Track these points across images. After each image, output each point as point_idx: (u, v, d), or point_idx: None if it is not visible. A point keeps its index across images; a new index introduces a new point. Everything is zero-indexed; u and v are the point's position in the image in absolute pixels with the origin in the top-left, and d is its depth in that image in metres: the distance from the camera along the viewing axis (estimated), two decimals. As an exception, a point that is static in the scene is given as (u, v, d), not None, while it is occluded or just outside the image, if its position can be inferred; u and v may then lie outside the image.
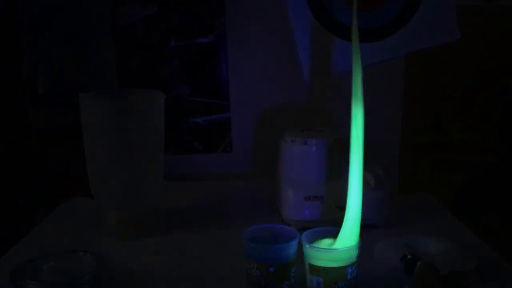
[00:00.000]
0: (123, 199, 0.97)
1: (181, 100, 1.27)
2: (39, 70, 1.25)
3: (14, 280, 0.78)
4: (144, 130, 0.95)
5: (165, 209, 1.05)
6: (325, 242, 0.75)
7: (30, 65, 1.24)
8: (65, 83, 1.25)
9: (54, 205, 1.14)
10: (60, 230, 1.02)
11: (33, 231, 1.01)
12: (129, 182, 0.96)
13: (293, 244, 0.73)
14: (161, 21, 1.24)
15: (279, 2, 1.22)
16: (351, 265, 0.71)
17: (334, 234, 0.76)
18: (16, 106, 1.26)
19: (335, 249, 0.72)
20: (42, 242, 0.97)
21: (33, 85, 1.25)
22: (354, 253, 0.72)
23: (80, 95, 0.94)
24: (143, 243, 0.95)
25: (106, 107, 0.93)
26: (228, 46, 1.24)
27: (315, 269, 0.72)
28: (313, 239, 0.75)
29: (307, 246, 0.72)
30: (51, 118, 1.26)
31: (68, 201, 1.16)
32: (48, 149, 1.27)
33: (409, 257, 0.74)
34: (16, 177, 1.28)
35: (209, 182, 1.26)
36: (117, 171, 0.95)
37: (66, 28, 1.24)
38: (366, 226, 0.97)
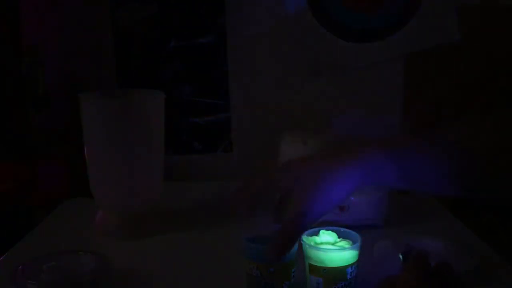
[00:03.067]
0: (123, 199, 0.97)
1: (181, 100, 1.27)
2: (39, 70, 1.25)
3: (15, 280, 0.78)
4: (144, 130, 0.95)
5: (165, 209, 1.05)
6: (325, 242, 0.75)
7: (31, 65, 1.24)
8: (65, 83, 1.25)
9: (54, 205, 1.14)
10: (60, 230, 1.02)
11: (34, 231, 1.01)
12: (129, 182, 0.96)
13: None
14: (161, 21, 1.24)
15: (279, 3, 1.22)
16: (351, 265, 0.71)
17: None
18: (17, 106, 1.26)
19: (335, 249, 0.72)
20: (42, 242, 0.97)
21: (33, 85, 1.25)
22: (354, 253, 0.72)
23: (80, 95, 0.94)
24: (143, 243, 0.95)
25: (106, 107, 0.93)
26: (228, 46, 1.24)
27: (315, 269, 0.72)
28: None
29: (307, 246, 0.73)
30: (51, 118, 1.26)
31: (68, 201, 1.16)
32: (48, 149, 1.27)
33: (406, 252, 0.74)
34: (16, 177, 1.28)
35: (209, 182, 1.26)
36: (117, 171, 0.95)
37: (66, 29, 1.24)
38: (366, 226, 0.97)
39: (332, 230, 0.76)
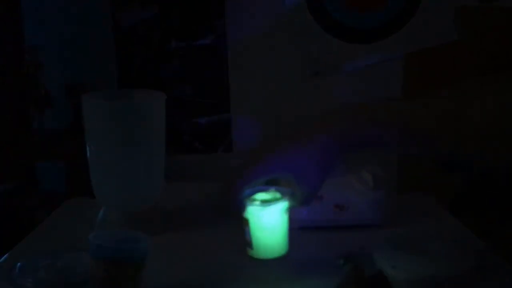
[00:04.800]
0: (124, 199, 0.97)
1: (181, 100, 1.27)
2: (41, 70, 1.25)
3: (12, 279, 0.78)
4: (145, 130, 0.95)
5: (165, 208, 1.05)
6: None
7: (32, 65, 1.25)
8: (66, 83, 1.25)
9: (55, 205, 1.15)
10: (61, 230, 1.02)
11: (35, 231, 1.02)
12: (130, 182, 0.96)
13: None
14: (162, 22, 1.24)
15: (279, 3, 1.22)
16: None
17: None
18: (18, 106, 1.27)
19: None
20: (43, 241, 0.97)
21: (35, 85, 1.25)
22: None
23: (82, 96, 0.94)
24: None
25: (107, 107, 0.94)
26: (228, 46, 1.25)
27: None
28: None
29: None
30: (52, 118, 1.26)
31: (69, 201, 1.16)
32: (49, 149, 1.27)
33: (344, 261, 0.76)
34: (17, 177, 1.28)
35: (209, 182, 1.26)
36: (118, 171, 0.95)
37: (67, 29, 1.24)
38: (365, 226, 0.97)
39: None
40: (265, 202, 0.81)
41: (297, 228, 0.98)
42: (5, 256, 0.90)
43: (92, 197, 1.00)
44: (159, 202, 1.02)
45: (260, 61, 1.26)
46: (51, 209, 1.13)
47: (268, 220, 0.80)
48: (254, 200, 0.81)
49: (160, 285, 0.81)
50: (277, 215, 0.81)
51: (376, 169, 1.00)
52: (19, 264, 0.81)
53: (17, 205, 1.28)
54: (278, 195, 0.82)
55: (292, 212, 0.98)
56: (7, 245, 0.94)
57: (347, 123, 0.72)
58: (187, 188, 1.21)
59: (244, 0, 1.23)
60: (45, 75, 1.25)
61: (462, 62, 1.25)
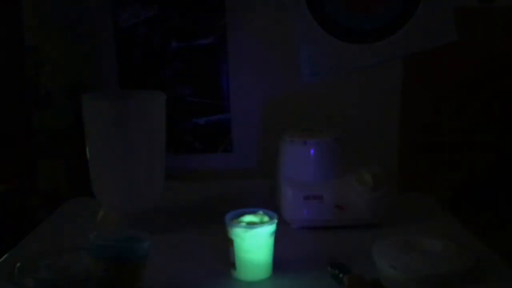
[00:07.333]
0: (124, 199, 0.98)
1: (182, 100, 1.27)
2: (41, 71, 1.25)
3: (13, 278, 0.78)
4: (145, 130, 0.95)
5: (165, 208, 1.05)
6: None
7: (33, 66, 1.25)
8: (67, 84, 1.25)
9: (55, 205, 1.15)
10: (61, 230, 1.03)
11: (35, 231, 1.02)
12: (130, 181, 0.96)
13: None
14: (162, 22, 1.24)
15: (279, 4, 1.23)
16: None
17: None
18: (19, 106, 1.27)
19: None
20: (44, 241, 0.97)
21: (36, 85, 1.25)
22: None
23: (82, 96, 0.94)
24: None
25: (108, 107, 0.94)
26: (228, 47, 1.25)
27: None
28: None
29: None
30: (52, 118, 1.26)
31: (70, 200, 1.16)
32: (50, 148, 1.27)
33: (336, 270, 0.77)
34: (17, 177, 1.28)
35: (209, 182, 1.26)
36: (119, 171, 0.96)
37: (67, 29, 1.24)
38: (365, 226, 0.98)
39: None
40: (251, 224, 0.80)
41: (297, 228, 0.98)
42: (5, 256, 0.90)
43: (92, 197, 1.00)
44: (159, 202, 1.02)
45: (260, 61, 1.26)
46: (51, 209, 1.13)
47: (253, 242, 0.79)
48: (240, 221, 0.81)
49: (160, 285, 0.81)
50: (262, 238, 0.79)
51: (376, 169, 1.00)
52: (19, 264, 0.82)
53: (17, 205, 1.28)
54: (265, 218, 0.81)
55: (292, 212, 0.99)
56: (7, 245, 0.94)
57: None
58: (187, 188, 1.21)
59: (244, 0, 1.23)
60: (45, 75, 1.25)
61: (462, 62, 1.25)
